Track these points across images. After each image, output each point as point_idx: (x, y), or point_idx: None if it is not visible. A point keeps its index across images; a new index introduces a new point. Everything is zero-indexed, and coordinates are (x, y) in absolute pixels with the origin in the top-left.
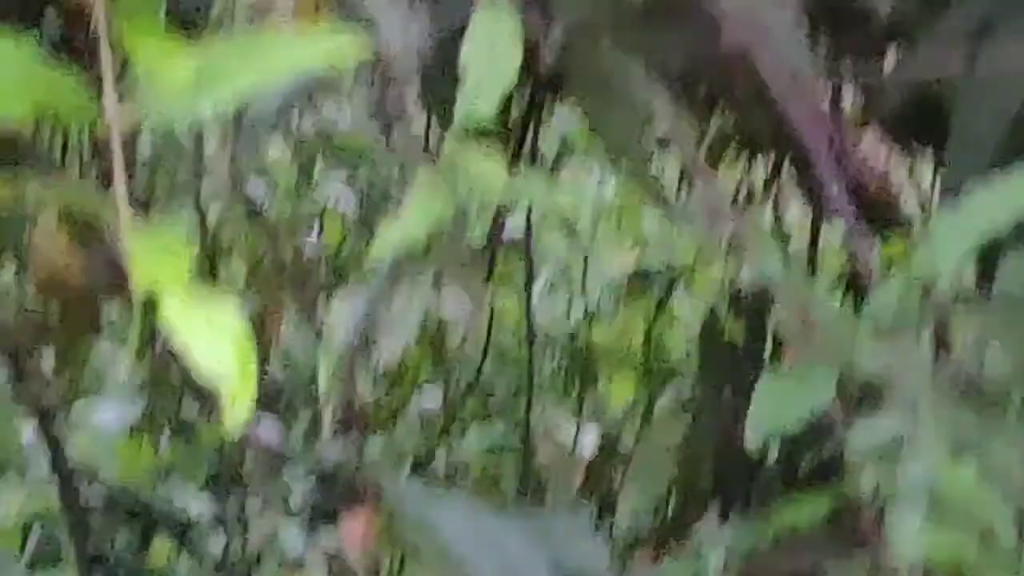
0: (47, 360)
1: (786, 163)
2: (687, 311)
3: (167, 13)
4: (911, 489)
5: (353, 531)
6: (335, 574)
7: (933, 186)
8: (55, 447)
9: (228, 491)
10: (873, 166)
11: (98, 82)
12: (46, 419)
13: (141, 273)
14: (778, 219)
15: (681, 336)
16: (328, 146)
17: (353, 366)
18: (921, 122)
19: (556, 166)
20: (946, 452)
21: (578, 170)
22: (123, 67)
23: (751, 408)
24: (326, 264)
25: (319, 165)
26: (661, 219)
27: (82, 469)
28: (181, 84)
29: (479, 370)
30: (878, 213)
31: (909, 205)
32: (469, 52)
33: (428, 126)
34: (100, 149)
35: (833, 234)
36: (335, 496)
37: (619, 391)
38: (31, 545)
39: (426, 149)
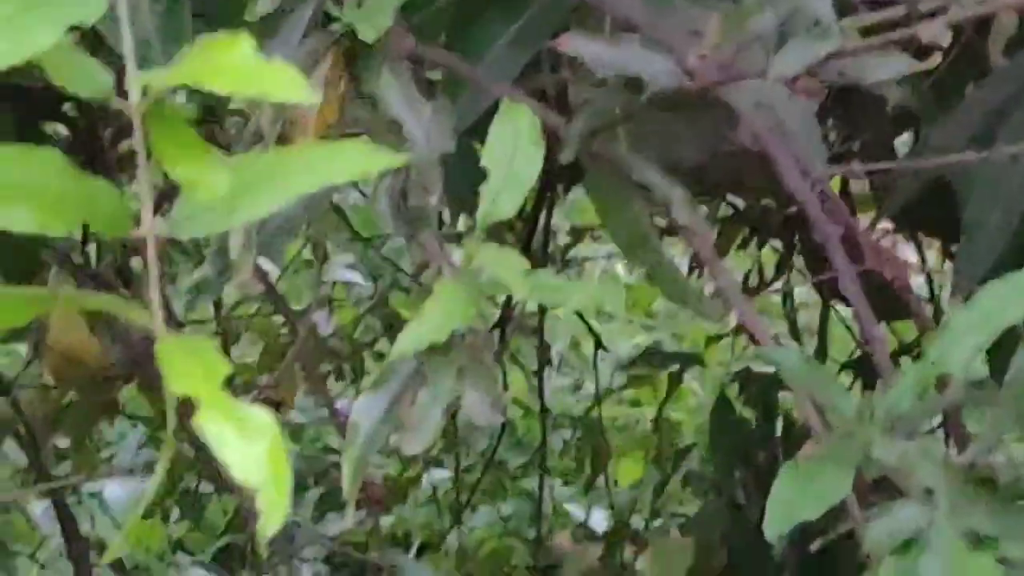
0: (62, 440)
1: (795, 250)
2: (697, 390)
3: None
4: None
5: None
6: None
7: (938, 276)
8: (70, 527)
9: (236, 569)
10: (884, 254)
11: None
12: (61, 500)
13: (174, 381)
14: (788, 303)
15: (691, 416)
16: (342, 227)
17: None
18: (930, 211)
19: (566, 250)
20: (964, 545)
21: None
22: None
23: (769, 501)
24: (340, 343)
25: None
26: (670, 301)
27: (93, 548)
28: (216, 197)
29: (494, 448)
30: (888, 301)
31: (918, 293)
32: (491, 151)
33: (441, 223)
34: (115, 245)
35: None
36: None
37: (627, 470)
38: None
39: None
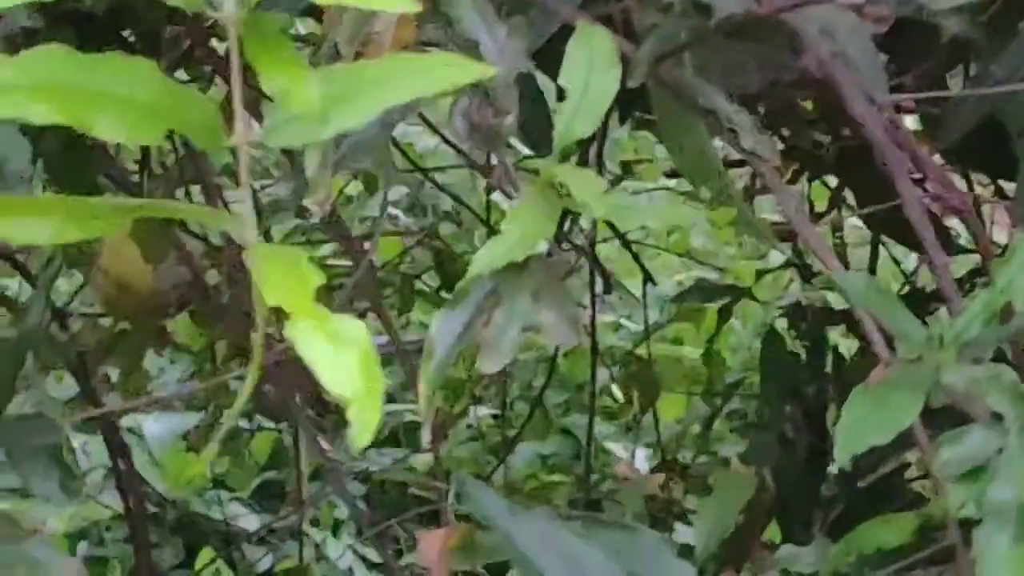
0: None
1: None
2: (737, 328)
3: None
4: (999, 509)
5: (431, 545)
6: None
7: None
8: (122, 457)
9: (276, 504)
10: (948, 183)
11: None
12: (111, 430)
13: (268, 291)
14: (837, 238)
15: (733, 355)
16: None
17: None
18: (981, 146)
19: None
20: None
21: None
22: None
23: (839, 426)
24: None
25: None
26: (711, 234)
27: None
28: (309, 108)
29: (544, 385)
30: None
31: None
32: (567, 73)
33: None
34: (183, 164)
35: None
36: (384, 508)
37: (668, 408)
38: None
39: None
